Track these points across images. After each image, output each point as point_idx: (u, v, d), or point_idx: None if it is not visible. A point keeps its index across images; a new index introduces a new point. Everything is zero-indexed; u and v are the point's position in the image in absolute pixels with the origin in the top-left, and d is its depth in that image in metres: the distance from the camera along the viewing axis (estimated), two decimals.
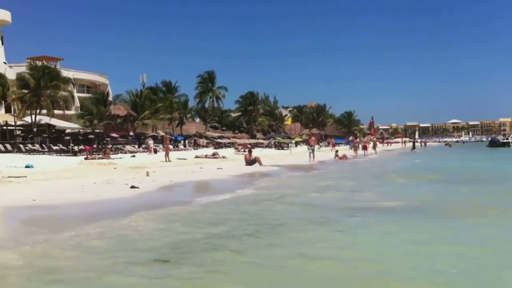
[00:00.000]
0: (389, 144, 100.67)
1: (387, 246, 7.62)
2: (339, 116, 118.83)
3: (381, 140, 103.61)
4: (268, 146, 68.39)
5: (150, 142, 48.61)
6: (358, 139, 55.58)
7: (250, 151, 31.60)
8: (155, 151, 44.40)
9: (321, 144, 77.87)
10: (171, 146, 40.65)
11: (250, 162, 28.68)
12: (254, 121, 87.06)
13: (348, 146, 63.22)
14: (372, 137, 64.85)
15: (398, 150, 68.94)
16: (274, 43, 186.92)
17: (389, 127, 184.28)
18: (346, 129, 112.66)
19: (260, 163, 28.22)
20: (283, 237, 8.47)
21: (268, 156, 39.10)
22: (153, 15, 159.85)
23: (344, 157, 39.06)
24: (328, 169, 27.77)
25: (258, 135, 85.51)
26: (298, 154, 40.94)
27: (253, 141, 70.85)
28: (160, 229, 9.10)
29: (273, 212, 11.30)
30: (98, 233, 8.61)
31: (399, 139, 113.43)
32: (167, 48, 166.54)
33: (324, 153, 49.41)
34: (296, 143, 69.31)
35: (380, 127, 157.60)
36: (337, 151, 41.65)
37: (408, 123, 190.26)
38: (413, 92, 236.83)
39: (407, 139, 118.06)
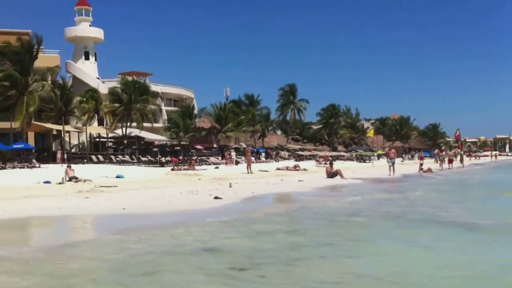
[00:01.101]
0: (478, 158, 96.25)
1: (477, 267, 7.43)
2: (424, 128, 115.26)
3: (468, 154, 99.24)
4: (350, 158, 67.61)
5: (233, 154, 49.60)
6: (444, 152, 53.65)
7: (331, 164, 31.46)
8: (237, 163, 45.25)
9: (404, 157, 75.93)
10: (253, 158, 41.22)
11: (332, 174, 28.57)
12: (336, 133, 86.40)
13: (433, 160, 61.21)
14: (459, 150, 62.31)
15: (487, 164, 65.70)
16: (358, 54, 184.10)
17: (477, 140, 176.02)
18: (431, 141, 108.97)
19: (342, 176, 28.04)
20: (363, 249, 8.48)
21: (350, 168, 38.71)
22: (235, 29, 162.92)
23: (429, 170, 37.92)
24: (413, 183, 27.12)
25: (340, 147, 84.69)
26: (380, 167, 40.19)
27: (334, 153, 70.30)
28: (243, 238, 9.37)
29: (357, 223, 11.30)
30: (182, 241, 9.00)
31: (488, 153, 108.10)
32: (250, 61, 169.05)
33: (408, 166, 48.19)
34: (379, 156, 67.97)
35: (467, 140, 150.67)
36: (421, 164, 40.47)
37: (498, 136, 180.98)
38: (504, 104, 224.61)
39: (496, 152, 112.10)
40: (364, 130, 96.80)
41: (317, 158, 57.79)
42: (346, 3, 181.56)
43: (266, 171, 34.71)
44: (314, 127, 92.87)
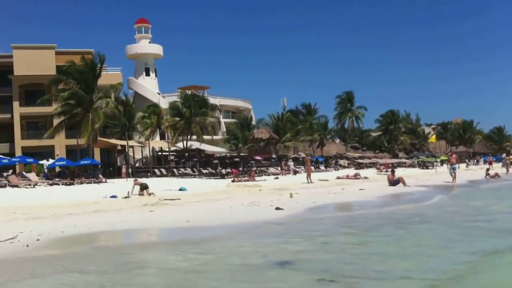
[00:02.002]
0: None
1: None
2: (488, 132, 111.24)
3: None
4: (412, 165, 66.11)
5: (291, 163, 49.59)
6: (510, 156, 51.53)
7: (393, 171, 30.84)
8: (295, 172, 45.19)
9: (468, 162, 73.47)
10: (312, 168, 41.07)
11: (394, 182, 28.05)
12: (396, 140, 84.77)
13: (500, 164, 58.91)
14: None
15: None
16: (415, 52, 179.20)
17: None
18: (497, 145, 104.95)
19: (404, 183, 27.46)
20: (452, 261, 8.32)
21: (412, 176, 37.85)
22: (289, 42, 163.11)
23: (496, 175, 36.53)
24: (480, 189, 26.25)
25: (400, 154, 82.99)
26: (444, 173, 39.00)
27: (395, 160, 68.98)
28: (315, 251, 9.34)
29: (431, 231, 11.05)
30: (253, 254, 9.06)
31: None
32: (306, 70, 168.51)
33: (473, 171, 46.62)
34: (442, 162, 66.10)
35: None
36: (488, 169, 39.02)
37: None
38: None
39: None
40: (425, 135, 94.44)
41: (378, 166, 56.87)
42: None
43: (326, 180, 34.49)
44: (373, 134, 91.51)
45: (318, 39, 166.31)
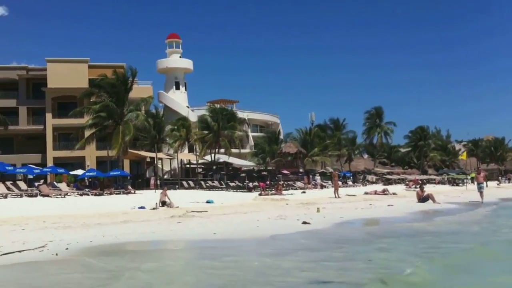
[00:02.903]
0: None
1: None
2: None
3: None
4: (441, 182, 65.18)
5: (317, 178, 49.40)
6: None
7: (422, 188, 30.44)
8: (322, 187, 44.98)
9: (500, 180, 72.05)
10: (340, 183, 40.83)
11: (423, 199, 27.66)
12: (425, 156, 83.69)
13: None
14: None
15: None
16: (445, 72, 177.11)
17: None
18: None
19: (434, 200, 27.03)
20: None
21: (442, 192, 37.31)
22: (319, 52, 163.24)
23: None
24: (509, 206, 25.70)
25: (430, 170, 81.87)
26: (475, 190, 38.31)
27: (424, 177, 68.07)
28: (350, 268, 9.22)
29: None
30: (284, 270, 8.95)
31: None
32: (335, 85, 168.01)
33: (505, 189, 45.68)
34: (472, 179, 65.00)
35: None
36: None
37: None
38: None
39: None
40: (455, 152, 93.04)
41: (407, 182, 56.23)
42: (430, 21, 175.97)
43: (354, 195, 34.27)
44: (402, 150, 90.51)
45: (348, 59, 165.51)
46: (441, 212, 22.00)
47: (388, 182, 59.34)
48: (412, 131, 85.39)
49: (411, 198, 30.07)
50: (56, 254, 10.17)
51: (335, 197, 32.09)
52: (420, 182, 46.44)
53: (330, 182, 50.37)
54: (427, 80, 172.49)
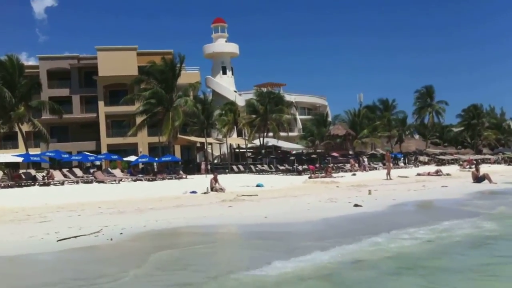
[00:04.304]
0: None
1: None
2: None
3: None
4: (497, 161, 63.08)
5: (365, 160, 48.68)
6: None
7: (477, 168, 29.49)
8: (368, 169, 44.39)
9: None
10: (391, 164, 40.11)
11: (479, 179, 26.83)
12: (479, 135, 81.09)
13: None
14: None
15: None
16: (500, 46, 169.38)
17: None
18: None
19: (490, 180, 26.15)
20: None
21: (498, 172, 36.03)
22: (366, 33, 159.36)
23: None
24: None
25: (484, 150, 79.29)
26: None
27: (479, 156, 66.03)
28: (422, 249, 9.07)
29: None
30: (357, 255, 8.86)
31: None
32: (383, 65, 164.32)
33: None
34: None
35: None
36: None
37: None
38: None
39: None
40: (511, 130, 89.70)
41: (461, 162, 54.71)
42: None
43: (406, 177, 33.61)
44: (455, 129, 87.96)
45: (399, 41, 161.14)
46: (499, 193, 21.30)
47: (441, 162, 57.92)
48: (464, 109, 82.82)
49: (466, 179, 29.24)
50: (111, 239, 10.40)
51: (387, 179, 31.57)
52: (475, 162, 45.12)
53: (381, 164, 49.65)
54: (478, 58, 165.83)
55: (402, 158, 58.48)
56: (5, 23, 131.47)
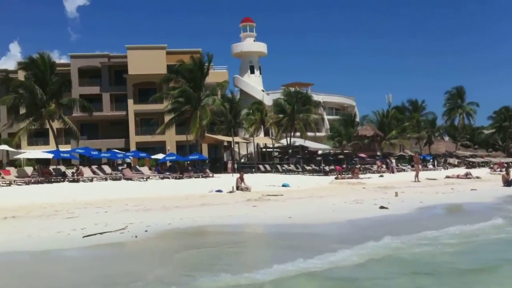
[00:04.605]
0: None
1: None
2: None
3: None
4: None
5: (393, 161, 48.10)
6: None
7: (508, 171, 28.91)
8: (392, 170, 43.88)
9: None
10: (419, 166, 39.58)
11: (509, 182, 26.31)
12: (511, 138, 79.45)
13: None
14: None
15: None
16: None
17: None
18: None
19: None
20: None
21: None
22: (395, 34, 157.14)
23: None
24: None
25: None
26: None
27: (510, 159, 64.59)
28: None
29: None
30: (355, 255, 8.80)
31: None
32: (412, 67, 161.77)
33: None
34: None
35: None
36: None
37: None
38: None
39: None
40: None
41: (491, 165, 53.65)
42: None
43: (434, 179, 33.16)
44: (486, 131, 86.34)
45: (424, 42, 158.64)
46: None
47: (471, 165, 56.89)
48: (496, 111, 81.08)
49: (496, 182, 28.69)
50: (136, 236, 10.53)
51: (415, 181, 31.20)
52: (506, 165, 44.20)
53: (409, 166, 49.07)
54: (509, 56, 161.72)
55: (431, 160, 57.67)
56: (39, 22, 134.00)
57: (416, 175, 32.18)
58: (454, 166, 55.55)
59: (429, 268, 7.81)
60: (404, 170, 46.40)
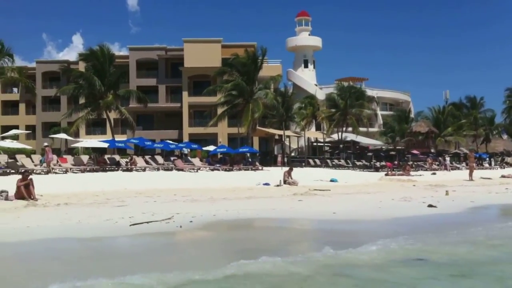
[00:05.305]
0: None
1: None
2: None
3: None
4: None
5: (447, 159, 47.01)
6: None
7: None
8: (446, 167, 42.82)
9: None
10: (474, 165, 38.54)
11: None
12: None
13: None
14: None
15: None
16: None
17: None
18: None
19: None
20: None
21: None
22: (454, 29, 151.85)
23: None
24: None
25: None
26: None
27: None
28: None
29: None
30: (394, 250, 8.73)
31: None
32: (471, 63, 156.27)
33: None
34: None
35: None
36: None
37: None
38: None
39: None
40: None
41: None
42: None
43: (489, 178, 32.25)
44: None
45: (485, 36, 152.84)
46: None
47: None
48: None
49: None
50: (180, 227, 10.85)
51: (469, 179, 30.47)
52: None
53: (464, 164, 47.81)
54: None
55: (488, 159, 55.93)
56: (101, 14, 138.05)
57: (470, 174, 31.40)
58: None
59: (468, 270, 7.69)
60: (458, 168, 45.28)
